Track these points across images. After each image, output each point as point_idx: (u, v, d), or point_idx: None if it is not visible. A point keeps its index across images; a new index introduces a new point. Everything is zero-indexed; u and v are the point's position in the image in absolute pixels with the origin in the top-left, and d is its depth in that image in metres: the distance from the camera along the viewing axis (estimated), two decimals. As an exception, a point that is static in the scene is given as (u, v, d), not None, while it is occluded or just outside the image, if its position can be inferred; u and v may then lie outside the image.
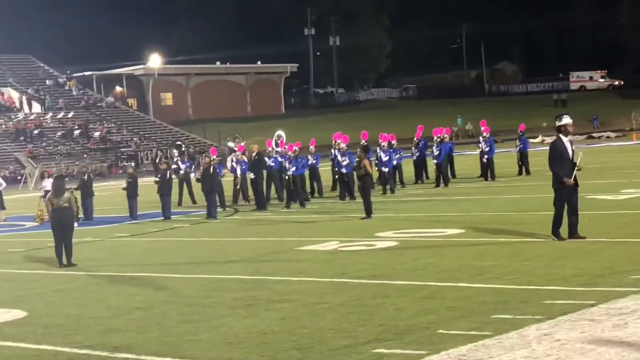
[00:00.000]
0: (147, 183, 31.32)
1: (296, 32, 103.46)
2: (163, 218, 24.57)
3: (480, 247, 14.61)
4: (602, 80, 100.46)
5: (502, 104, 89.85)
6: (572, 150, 14.52)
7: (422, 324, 9.31)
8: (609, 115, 72.60)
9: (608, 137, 59.86)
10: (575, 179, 14.30)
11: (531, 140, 31.84)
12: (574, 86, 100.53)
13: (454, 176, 30.64)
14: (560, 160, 14.33)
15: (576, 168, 14.37)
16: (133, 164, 28.28)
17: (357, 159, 21.62)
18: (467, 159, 38.84)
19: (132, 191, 25.73)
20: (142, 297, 12.30)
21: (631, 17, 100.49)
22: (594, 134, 61.92)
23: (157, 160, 42.92)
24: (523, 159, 30.41)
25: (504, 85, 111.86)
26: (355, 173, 22.40)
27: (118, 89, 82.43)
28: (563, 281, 10.96)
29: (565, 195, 14.27)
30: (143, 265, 15.76)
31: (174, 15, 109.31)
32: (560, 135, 14.51)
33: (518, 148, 30.75)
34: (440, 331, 8.92)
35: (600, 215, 17.60)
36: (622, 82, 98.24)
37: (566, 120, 14.52)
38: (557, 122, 14.64)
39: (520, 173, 30.33)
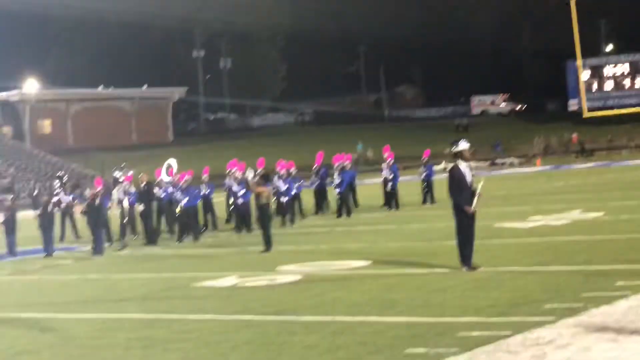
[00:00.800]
0: (27, 217, 30.69)
1: (185, 54, 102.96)
2: (45, 254, 24.08)
3: (389, 279, 14.77)
4: (504, 104, 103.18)
5: (402, 130, 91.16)
6: (472, 177, 14.85)
7: (333, 361, 9.35)
8: (511, 140, 74.46)
9: (512, 163, 61.43)
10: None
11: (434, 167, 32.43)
12: (476, 110, 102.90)
13: (356, 205, 30.90)
14: (459, 188, 14.64)
15: (477, 195, 14.68)
16: (10, 197, 27.68)
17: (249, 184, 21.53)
18: (369, 187, 39.26)
19: (10, 226, 25.20)
20: (27, 339, 11.99)
21: (532, 41, 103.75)
22: (497, 161, 63.41)
23: (36, 193, 42.01)
24: (428, 187, 30.85)
25: (405, 109, 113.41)
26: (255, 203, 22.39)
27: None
28: (477, 312, 11.17)
29: (466, 223, 14.58)
30: (26, 305, 15.36)
31: (50, 37, 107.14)
32: (458, 161, 14.82)
33: (423, 175, 31.14)
34: (353, 368, 8.97)
35: (509, 244, 18.03)
36: (525, 107, 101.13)
37: (463, 145, 14.79)
38: (453, 149, 14.97)
39: (425, 201, 30.78)
